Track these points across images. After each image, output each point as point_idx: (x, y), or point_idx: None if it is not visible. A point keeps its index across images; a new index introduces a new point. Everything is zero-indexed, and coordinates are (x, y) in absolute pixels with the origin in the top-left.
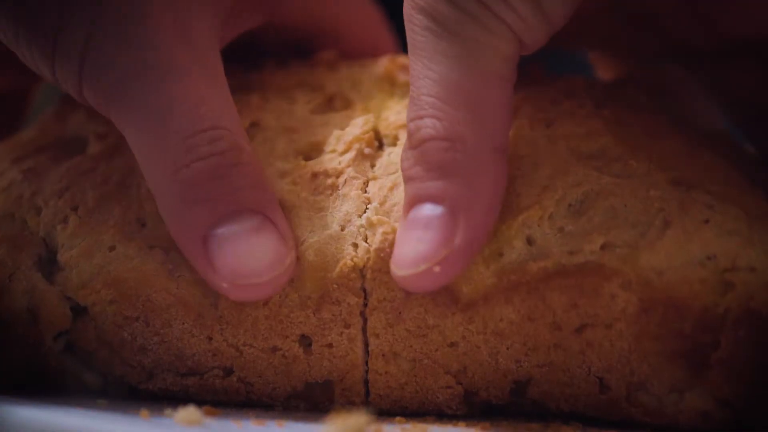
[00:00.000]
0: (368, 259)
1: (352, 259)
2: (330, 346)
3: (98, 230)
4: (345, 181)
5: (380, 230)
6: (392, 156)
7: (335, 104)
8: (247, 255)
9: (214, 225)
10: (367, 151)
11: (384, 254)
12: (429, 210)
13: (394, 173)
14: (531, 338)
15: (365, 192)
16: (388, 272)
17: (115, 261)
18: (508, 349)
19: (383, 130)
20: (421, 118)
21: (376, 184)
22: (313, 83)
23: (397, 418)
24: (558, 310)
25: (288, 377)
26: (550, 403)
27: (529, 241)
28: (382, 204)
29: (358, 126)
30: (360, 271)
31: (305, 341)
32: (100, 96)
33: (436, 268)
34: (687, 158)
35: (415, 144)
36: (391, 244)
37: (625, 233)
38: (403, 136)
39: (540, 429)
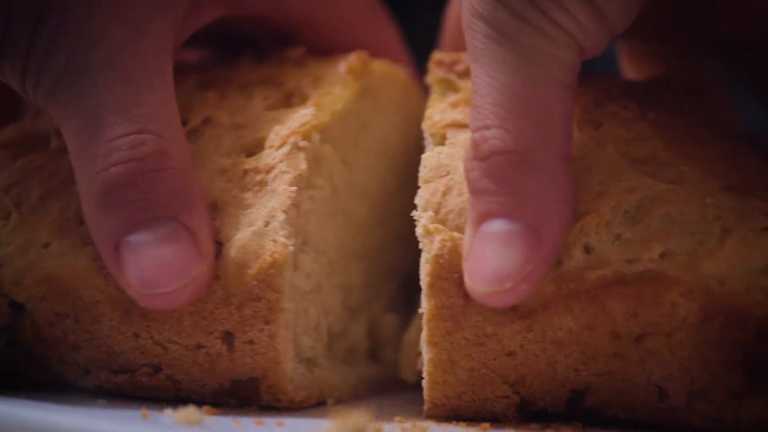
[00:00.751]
0: (428, 267)
1: (271, 255)
2: (251, 342)
3: (36, 227)
4: (275, 177)
5: (438, 238)
6: (442, 157)
7: (293, 100)
8: (154, 264)
9: (127, 232)
10: (302, 144)
11: (443, 261)
12: (505, 226)
13: (445, 176)
14: (590, 347)
15: (296, 186)
16: (446, 279)
17: (47, 258)
18: (566, 357)
19: (429, 129)
20: (487, 128)
21: (428, 187)
22: (277, 79)
23: (397, 418)
24: (618, 318)
25: (213, 374)
26: (608, 411)
27: (587, 249)
28: (437, 212)
29: (297, 120)
30: (280, 266)
31: (229, 338)
32: (40, 93)
33: (523, 286)
34: (734, 163)
35: (483, 155)
36: (451, 252)
37: (684, 241)
38: (451, 136)
39: (540, 429)
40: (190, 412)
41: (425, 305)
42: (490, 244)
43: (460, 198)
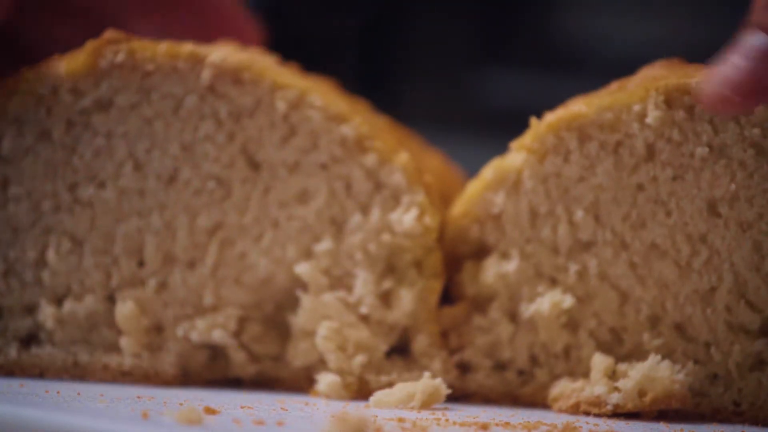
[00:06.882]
0: None
1: None
2: None
3: None
4: None
5: None
6: None
7: None
8: None
9: None
10: None
11: None
12: (758, 41)
13: None
14: None
15: None
16: None
17: None
18: None
19: None
20: None
21: None
22: None
23: (397, 418)
24: None
25: None
26: None
27: None
28: None
29: None
30: None
31: None
32: None
33: (737, 98)
34: None
35: None
36: None
37: None
38: None
39: (540, 428)
40: (190, 411)
41: None
42: (736, 50)
43: None
